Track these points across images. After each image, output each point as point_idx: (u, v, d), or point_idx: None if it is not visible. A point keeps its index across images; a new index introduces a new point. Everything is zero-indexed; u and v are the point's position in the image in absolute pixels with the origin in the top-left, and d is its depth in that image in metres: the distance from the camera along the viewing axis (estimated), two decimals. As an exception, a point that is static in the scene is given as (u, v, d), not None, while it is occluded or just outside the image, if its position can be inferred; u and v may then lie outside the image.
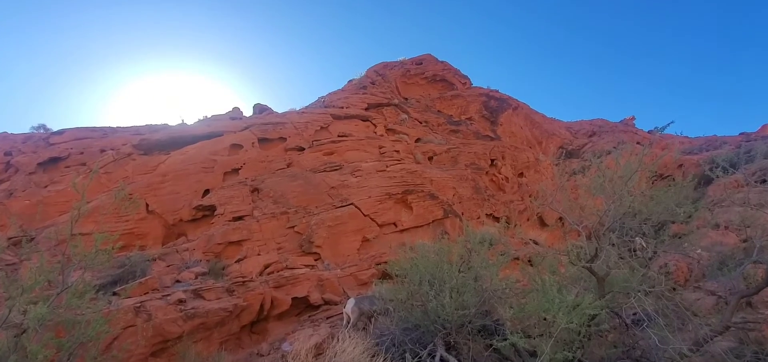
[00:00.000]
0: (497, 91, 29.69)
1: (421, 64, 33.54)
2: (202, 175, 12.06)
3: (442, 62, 32.22)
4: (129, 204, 9.49)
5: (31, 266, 5.11)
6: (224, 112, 16.62)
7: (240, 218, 10.68)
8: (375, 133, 18.26)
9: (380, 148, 15.33)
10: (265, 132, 14.51)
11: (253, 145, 13.78)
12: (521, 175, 18.39)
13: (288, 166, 13.09)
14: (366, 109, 21.49)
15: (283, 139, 14.73)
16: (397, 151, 15.21)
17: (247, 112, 18.42)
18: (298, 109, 19.96)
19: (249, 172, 12.52)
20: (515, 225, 12.00)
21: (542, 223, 16.09)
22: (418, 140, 19.79)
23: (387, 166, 13.55)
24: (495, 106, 26.92)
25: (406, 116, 21.81)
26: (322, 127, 16.37)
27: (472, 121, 25.25)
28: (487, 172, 16.94)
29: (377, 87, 28.08)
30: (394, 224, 12.01)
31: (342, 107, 19.86)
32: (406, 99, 28.07)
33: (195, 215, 11.16)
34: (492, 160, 17.61)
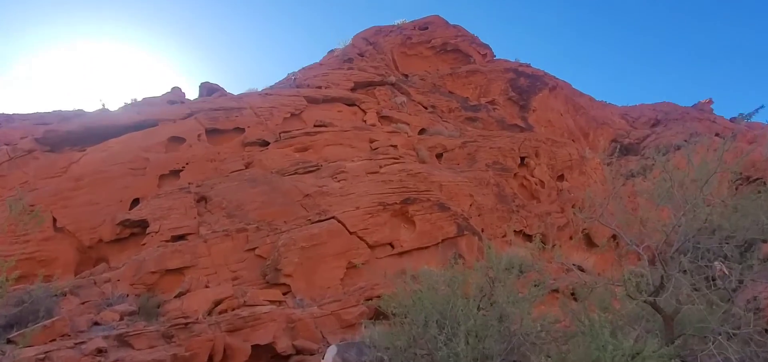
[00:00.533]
0: (529, 66, 29.89)
1: (427, 29, 33.74)
2: (130, 178, 12.02)
3: (454, 27, 32.53)
4: (29, 218, 9.41)
5: None
6: (160, 95, 16.61)
7: (181, 237, 10.65)
8: (364, 121, 18.32)
9: (371, 142, 15.43)
10: (215, 120, 14.55)
11: (200, 139, 13.79)
12: (561, 177, 18.57)
13: (247, 167, 13.11)
14: (352, 90, 21.55)
15: (240, 129, 14.80)
16: (395, 146, 15.31)
17: (192, 94, 18.45)
18: (260, 89, 20.02)
19: (194, 174, 12.51)
20: (553, 246, 12.03)
21: (590, 243, 16.19)
22: (422, 131, 19.85)
23: (381, 167, 13.61)
24: (526, 85, 27.15)
25: (406, 99, 21.97)
26: (292, 114, 16.47)
27: (496, 105, 25.43)
28: (515, 174, 17.09)
29: (367, 60, 28.19)
30: (391, 245, 12.03)
31: (320, 87, 19.91)
32: (407, 76, 28.23)
33: (120, 233, 11.12)
34: (522, 158, 17.79)
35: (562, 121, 27.33)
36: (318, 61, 28.86)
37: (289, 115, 16.59)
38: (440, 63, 30.45)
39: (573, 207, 16.67)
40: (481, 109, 24.32)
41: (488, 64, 29.66)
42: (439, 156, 17.02)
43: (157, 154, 12.82)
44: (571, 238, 16.02)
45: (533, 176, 17.40)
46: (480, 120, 23.32)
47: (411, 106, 23.00)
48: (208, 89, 18.40)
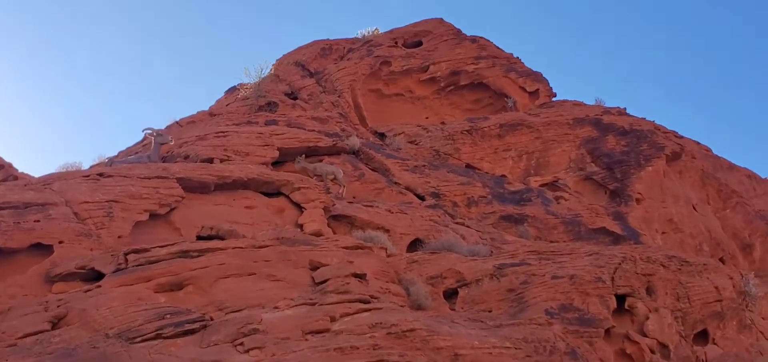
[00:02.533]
0: (621, 111, 30.34)
1: (421, 44, 34.46)
2: None
3: (471, 39, 33.49)
4: None
5: None
6: None
7: None
8: (300, 226, 18.18)
9: (314, 269, 15.20)
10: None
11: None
12: (703, 336, 18.43)
13: (55, 326, 12.66)
14: (276, 164, 21.33)
15: (42, 249, 14.58)
16: (361, 277, 15.06)
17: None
18: (87, 167, 19.68)
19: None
20: None
21: None
22: (416, 245, 19.60)
23: (334, 319, 13.26)
24: (620, 149, 27.38)
25: (339, 177, 22.22)
26: (154, 215, 16.39)
27: (561, 189, 25.50)
28: (609, 331, 16.78)
29: (305, 105, 28.36)
30: None
31: (210, 159, 19.82)
32: (383, 135, 28.39)
33: None
34: (620, 298, 17.58)
35: (696, 220, 27.51)
36: (206, 108, 28.97)
37: (146, 217, 16.30)
38: (448, 109, 31.01)
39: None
40: (533, 199, 24.42)
41: (543, 111, 30.23)
42: (449, 294, 16.74)
43: None
44: None
45: (646, 334, 17.05)
46: (530, 220, 23.31)
47: (391, 194, 22.94)
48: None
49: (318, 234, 17.76)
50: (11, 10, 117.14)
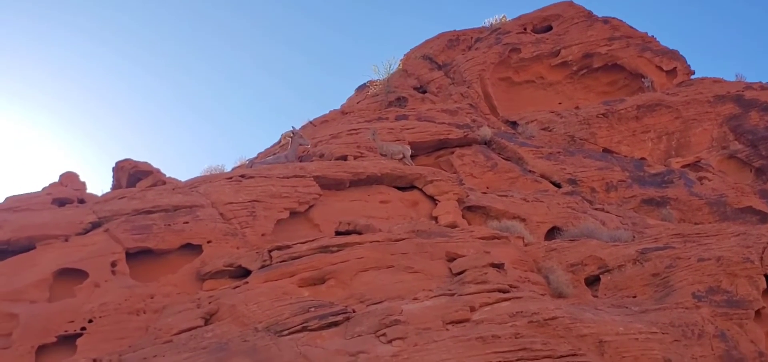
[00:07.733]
0: (765, 86, 29.18)
1: (551, 28, 34.10)
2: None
3: (603, 20, 33.04)
4: None
5: None
6: (40, 189, 16.89)
7: None
8: (435, 219, 18.33)
9: (451, 261, 15.29)
10: (145, 233, 14.81)
11: (116, 270, 13.94)
12: None
13: (207, 321, 12.94)
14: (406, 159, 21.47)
15: (192, 249, 15.05)
16: (499, 267, 15.01)
17: (99, 186, 18.81)
18: (229, 169, 20.36)
19: (104, 341, 12.46)
20: None
21: None
22: (553, 233, 19.55)
23: (473, 309, 13.29)
24: (763, 126, 26.05)
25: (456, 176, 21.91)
26: (294, 212, 16.75)
27: (704, 170, 24.80)
28: (759, 312, 16.04)
29: (434, 98, 28.53)
30: None
31: (344, 157, 20.18)
32: (515, 123, 28.31)
33: None
34: (771, 279, 17.03)
35: None
36: (338, 107, 29.52)
37: (287, 215, 16.68)
38: (581, 93, 30.63)
39: None
40: (674, 181, 23.86)
41: (682, 90, 29.45)
42: (591, 281, 16.54)
43: (33, 305, 12.85)
44: None
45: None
46: (673, 202, 22.80)
47: (526, 183, 22.89)
48: (131, 174, 18.75)
49: (453, 225, 17.87)
50: (155, 20, 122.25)
